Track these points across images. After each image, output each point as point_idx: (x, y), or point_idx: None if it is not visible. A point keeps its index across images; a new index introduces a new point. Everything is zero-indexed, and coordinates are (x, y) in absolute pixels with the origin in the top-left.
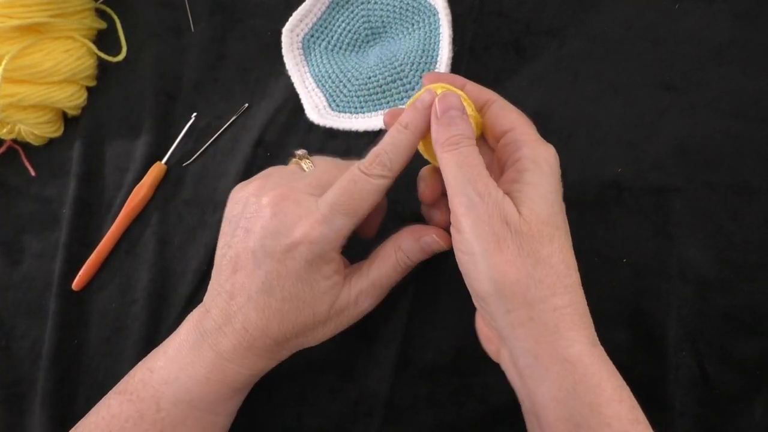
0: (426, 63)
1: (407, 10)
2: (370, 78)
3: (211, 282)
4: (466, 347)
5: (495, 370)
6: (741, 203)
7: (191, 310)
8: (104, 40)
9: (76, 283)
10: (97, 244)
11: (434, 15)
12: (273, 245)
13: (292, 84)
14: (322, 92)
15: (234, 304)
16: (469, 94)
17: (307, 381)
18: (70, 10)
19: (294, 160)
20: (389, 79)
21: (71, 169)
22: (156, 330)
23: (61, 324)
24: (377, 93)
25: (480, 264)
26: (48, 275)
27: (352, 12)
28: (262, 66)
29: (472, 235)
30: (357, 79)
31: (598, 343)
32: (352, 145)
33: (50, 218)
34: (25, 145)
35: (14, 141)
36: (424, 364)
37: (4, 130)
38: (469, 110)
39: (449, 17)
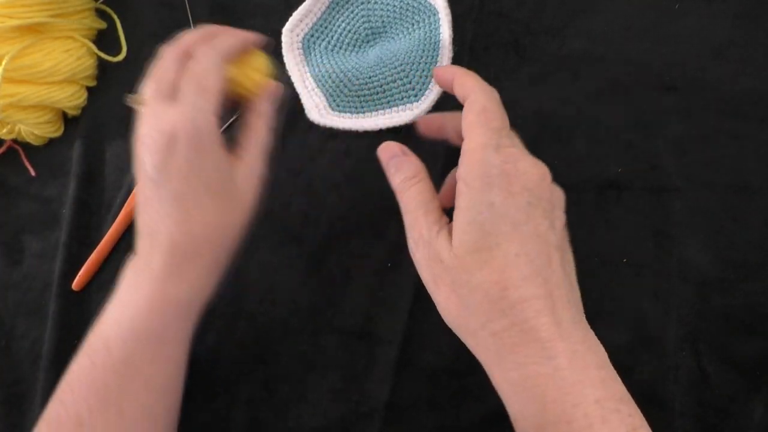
0: (426, 62)
1: (407, 9)
2: (370, 78)
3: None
4: (466, 348)
5: None
6: (741, 203)
7: None
8: (104, 40)
9: (76, 283)
10: (97, 244)
11: (434, 15)
12: (157, 156)
13: (291, 84)
14: (322, 92)
15: (154, 230)
16: (456, 85)
17: (307, 382)
18: (70, 10)
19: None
20: (389, 78)
21: (71, 169)
22: None
23: (61, 324)
24: (378, 93)
25: (433, 298)
26: (48, 275)
27: (352, 12)
28: None
29: (421, 275)
30: (357, 79)
31: (561, 353)
32: (352, 145)
33: (50, 218)
34: (25, 145)
35: (14, 141)
36: (424, 365)
37: (4, 130)
38: (234, 71)
39: (449, 17)
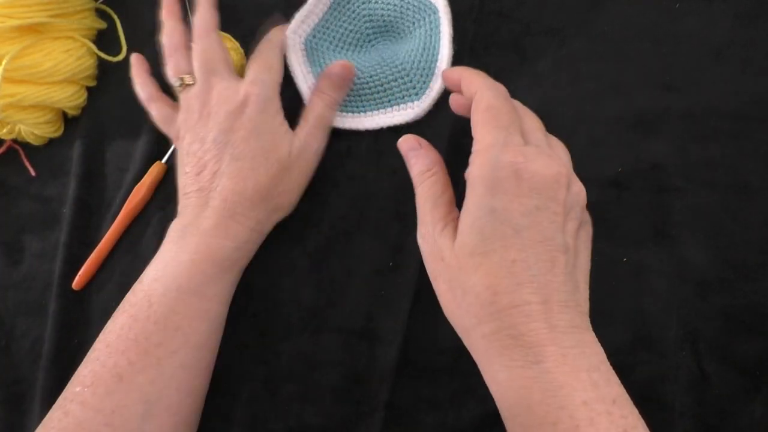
0: (427, 61)
1: (408, 8)
2: (371, 77)
3: (179, 198)
4: (467, 348)
5: None
6: (741, 203)
7: None
8: (104, 40)
9: (76, 283)
10: (97, 244)
11: (434, 13)
12: (226, 116)
13: (291, 83)
14: None
15: (208, 189)
16: (463, 85)
17: (308, 381)
18: (70, 10)
19: (179, 87)
20: (390, 77)
21: (71, 169)
22: None
23: (61, 324)
24: (379, 92)
25: (435, 291)
26: (48, 275)
27: (353, 12)
28: None
29: (426, 267)
30: (359, 78)
31: (548, 357)
32: (353, 144)
33: (50, 218)
34: (25, 145)
35: (14, 141)
36: (424, 364)
37: (4, 130)
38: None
39: (449, 15)
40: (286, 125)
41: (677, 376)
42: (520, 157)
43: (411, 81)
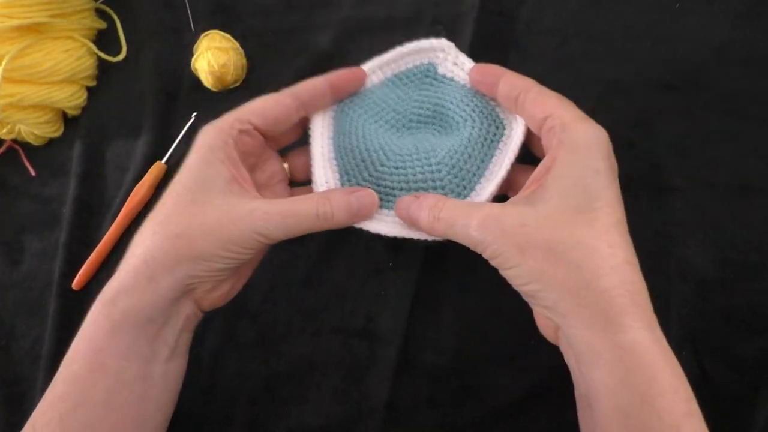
0: (469, 171)
1: (469, 103)
2: (397, 168)
3: None
4: (467, 348)
5: (495, 370)
6: (741, 203)
7: None
8: (104, 40)
9: (76, 283)
10: (97, 244)
11: (499, 127)
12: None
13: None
14: (338, 166)
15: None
16: (504, 84)
17: (308, 382)
18: (70, 10)
19: None
20: (420, 175)
21: (71, 169)
22: None
23: (61, 324)
24: (401, 189)
25: (519, 273)
26: (48, 275)
27: (406, 92)
28: (262, 66)
29: (499, 252)
30: (383, 165)
31: (657, 327)
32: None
33: (50, 218)
34: (25, 145)
35: (14, 141)
36: (424, 364)
37: (4, 130)
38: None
39: (520, 139)
40: (228, 174)
41: None
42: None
43: (444, 188)
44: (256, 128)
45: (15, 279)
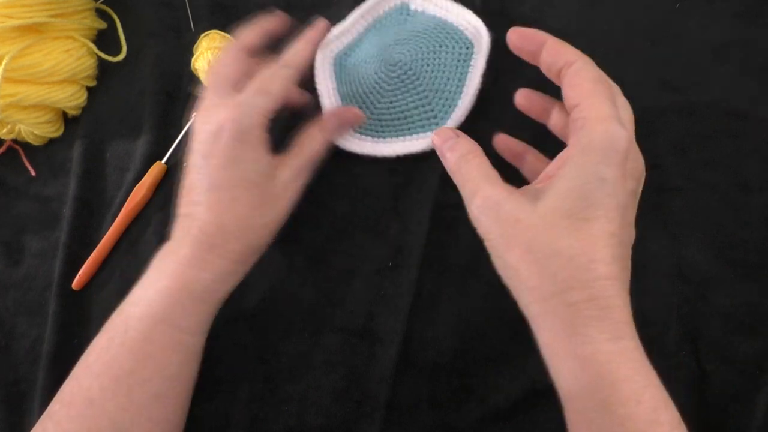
0: (451, 92)
1: (441, 39)
2: (392, 102)
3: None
4: (467, 347)
5: (496, 370)
6: (741, 203)
7: None
8: (104, 40)
9: (76, 283)
10: (97, 244)
11: (468, 47)
12: (204, 140)
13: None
14: None
15: (189, 216)
16: (546, 53)
17: (308, 381)
18: (70, 10)
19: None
20: (412, 105)
21: (71, 169)
22: None
23: (61, 324)
24: (399, 119)
25: (500, 264)
26: (48, 275)
27: (387, 35)
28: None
29: (488, 239)
30: (380, 102)
31: (628, 336)
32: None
33: (50, 218)
34: (25, 145)
35: (14, 141)
36: (424, 364)
37: (4, 130)
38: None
39: (486, 52)
40: (269, 156)
41: (677, 376)
42: (631, 139)
43: (433, 110)
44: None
45: (15, 279)
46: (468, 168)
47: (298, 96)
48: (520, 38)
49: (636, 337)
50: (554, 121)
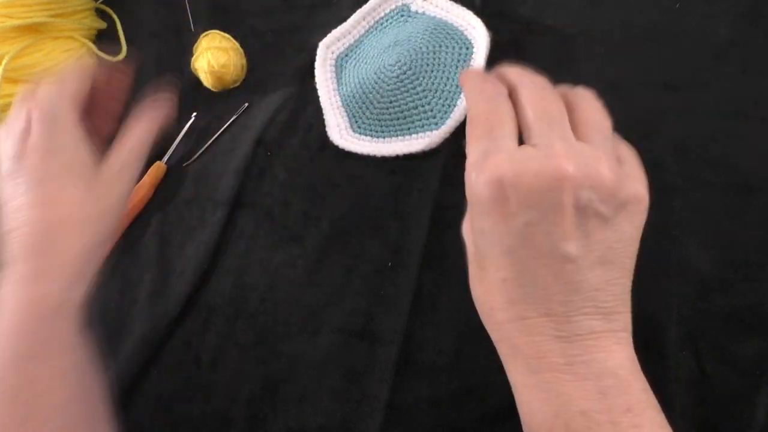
0: (449, 92)
1: (440, 39)
2: (391, 102)
3: None
4: (467, 348)
5: (495, 370)
6: (741, 203)
7: (191, 310)
8: (104, 40)
9: None
10: None
11: (467, 48)
12: (12, 144)
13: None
14: (347, 112)
15: (14, 229)
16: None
17: (308, 382)
18: (70, 10)
19: None
20: (411, 105)
21: None
22: (156, 330)
23: None
24: (398, 119)
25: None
26: None
27: (386, 36)
28: (262, 66)
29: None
30: (379, 102)
31: (543, 369)
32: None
33: None
34: None
35: None
36: (424, 364)
37: None
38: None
39: (485, 51)
40: (82, 138)
41: (677, 376)
42: (504, 167)
43: (432, 110)
44: None
45: None
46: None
47: (108, 75)
48: (471, 80)
49: (576, 359)
50: None
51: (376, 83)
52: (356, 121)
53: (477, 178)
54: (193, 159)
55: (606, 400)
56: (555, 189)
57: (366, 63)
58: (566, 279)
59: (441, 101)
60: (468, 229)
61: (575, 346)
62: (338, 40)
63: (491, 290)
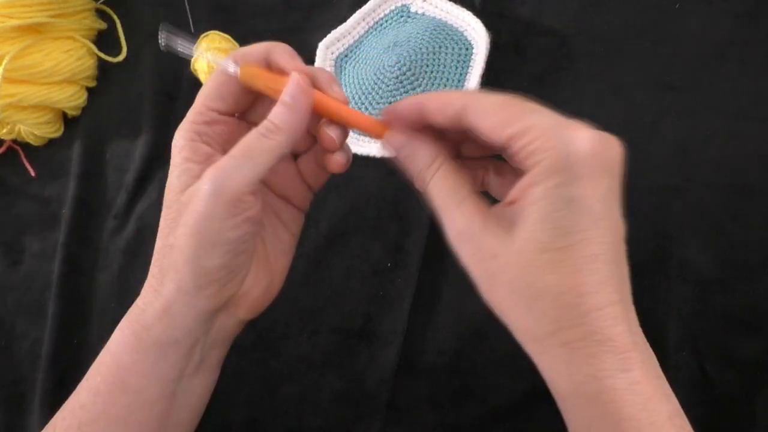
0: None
1: (441, 40)
2: (391, 103)
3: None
4: (467, 348)
5: (495, 370)
6: (741, 203)
7: None
8: (104, 40)
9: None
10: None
11: (468, 48)
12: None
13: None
14: None
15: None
16: (432, 111)
17: (307, 382)
18: (70, 11)
19: None
20: None
21: (71, 169)
22: None
23: (61, 324)
24: None
25: (488, 301)
26: (48, 275)
27: (386, 37)
28: None
29: (471, 274)
30: (379, 103)
31: (635, 366)
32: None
33: (50, 218)
34: (25, 146)
35: (14, 141)
36: (424, 365)
37: (4, 130)
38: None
39: (485, 52)
40: (245, 217)
41: (677, 376)
42: (585, 129)
43: None
44: (221, 113)
45: (15, 279)
46: (434, 186)
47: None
48: (400, 116)
49: (645, 361)
50: (435, 118)
51: (376, 84)
52: None
53: (569, 135)
54: None
55: (672, 403)
56: (619, 154)
57: (366, 63)
58: (625, 257)
59: None
60: (535, 212)
61: (641, 340)
62: (338, 41)
63: (579, 272)
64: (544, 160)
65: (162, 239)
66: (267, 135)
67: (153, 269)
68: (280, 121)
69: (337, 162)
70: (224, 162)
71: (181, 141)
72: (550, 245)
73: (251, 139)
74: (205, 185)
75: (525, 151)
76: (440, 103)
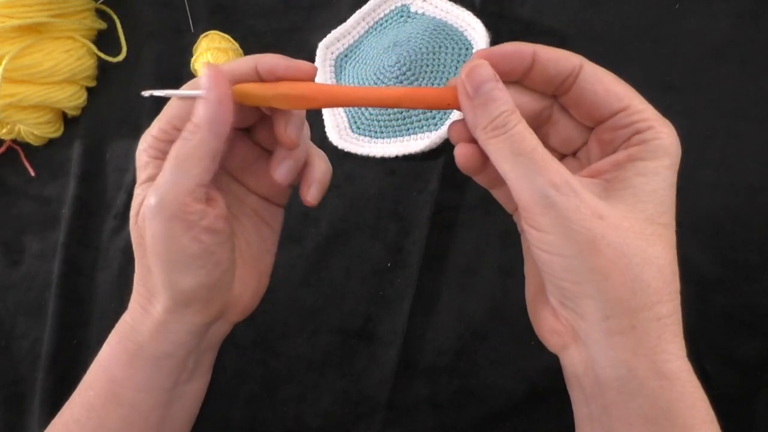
0: None
1: (440, 41)
2: None
3: None
4: (467, 348)
5: (495, 371)
6: (741, 203)
7: None
8: (104, 40)
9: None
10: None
11: (468, 49)
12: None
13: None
14: (346, 113)
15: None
16: (544, 63)
17: (307, 382)
18: (70, 10)
19: None
20: None
21: (71, 169)
22: None
23: (61, 324)
24: (398, 119)
25: (575, 266)
26: (48, 275)
27: (386, 37)
28: None
29: (560, 235)
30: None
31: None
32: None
33: (50, 218)
34: (25, 145)
35: (14, 141)
36: (424, 365)
37: (4, 130)
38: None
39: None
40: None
41: None
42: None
43: (432, 111)
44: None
45: (15, 279)
46: (519, 133)
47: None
48: (504, 58)
49: (684, 368)
50: (540, 74)
51: (376, 84)
52: (355, 122)
53: (675, 133)
54: None
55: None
56: None
57: (365, 63)
58: None
59: None
60: (649, 183)
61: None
62: (338, 41)
63: (672, 250)
64: (659, 140)
65: (138, 260)
66: (188, 137)
67: (138, 287)
68: (197, 117)
69: (286, 137)
70: (159, 177)
71: (144, 157)
72: (657, 219)
73: (177, 146)
74: (148, 206)
75: (637, 126)
76: (554, 56)
